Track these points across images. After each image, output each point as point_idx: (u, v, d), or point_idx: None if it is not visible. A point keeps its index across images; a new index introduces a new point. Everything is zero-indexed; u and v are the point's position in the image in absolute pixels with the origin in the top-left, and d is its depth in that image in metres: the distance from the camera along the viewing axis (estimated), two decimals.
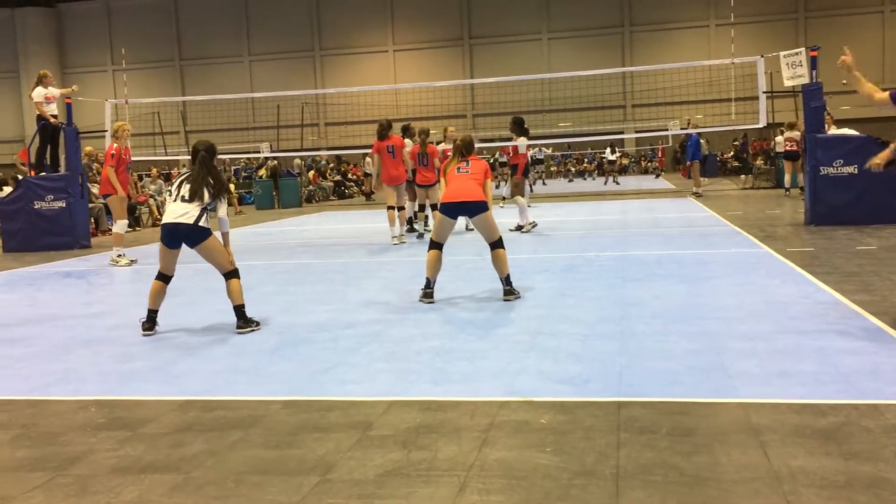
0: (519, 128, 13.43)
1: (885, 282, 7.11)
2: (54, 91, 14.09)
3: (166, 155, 28.94)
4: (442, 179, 7.38)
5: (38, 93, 13.90)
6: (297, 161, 27.70)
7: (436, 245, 7.11)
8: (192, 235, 6.10)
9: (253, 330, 6.18)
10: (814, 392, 4.10)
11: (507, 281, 7.02)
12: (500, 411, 3.99)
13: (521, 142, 13.37)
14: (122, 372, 5.16)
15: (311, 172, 29.29)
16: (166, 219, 6.20)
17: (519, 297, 6.95)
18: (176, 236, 6.16)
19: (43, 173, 14.21)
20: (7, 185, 20.51)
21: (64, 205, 13.56)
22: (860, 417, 3.69)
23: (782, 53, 13.46)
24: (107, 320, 6.92)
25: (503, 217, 12.40)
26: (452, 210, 7.07)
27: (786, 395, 4.07)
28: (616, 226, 13.73)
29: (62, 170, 14.22)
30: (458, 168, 7.18)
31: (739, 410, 3.86)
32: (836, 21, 39.07)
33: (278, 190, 24.76)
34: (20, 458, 3.67)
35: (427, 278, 7.08)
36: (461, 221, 11.77)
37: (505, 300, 6.89)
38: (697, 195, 20.06)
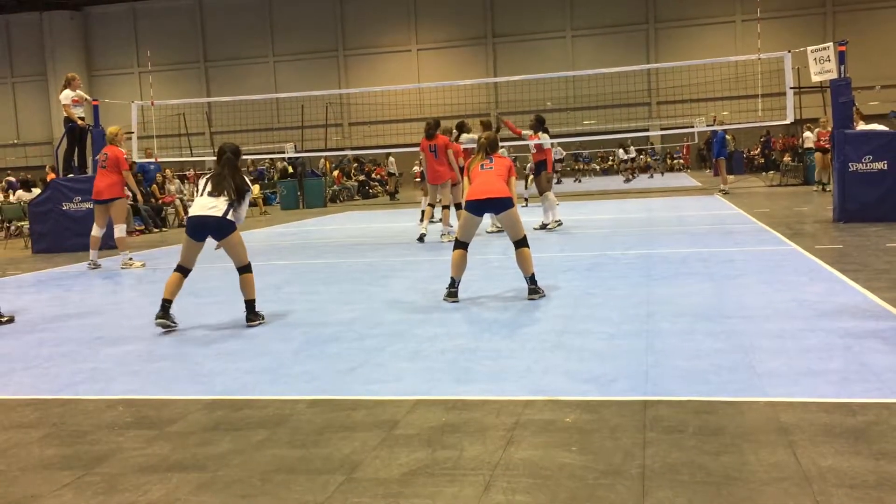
0: (540, 125, 13.40)
1: None
2: (81, 94, 14.27)
3: (192, 156, 29.19)
4: (465, 178, 7.36)
5: (66, 95, 14.08)
6: (322, 161, 27.91)
7: (461, 244, 7.08)
8: (220, 228, 6.35)
9: (261, 323, 6.47)
10: (843, 391, 4.04)
11: (531, 280, 6.99)
12: (526, 410, 3.98)
13: (545, 138, 13.33)
14: (149, 371, 5.21)
15: (336, 172, 29.40)
16: (194, 212, 6.45)
17: (543, 297, 6.93)
18: (204, 229, 6.39)
19: (71, 175, 14.40)
20: (36, 186, 20.81)
21: (91, 206, 13.68)
22: (891, 416, 3.63)
23: (810, 48, 13.28)
24: (135, 320, 6.99)
25: (527, 216, 12.36)
26: (478, 207, 7.03)
27: (815, 394, 4.01)
28: (641, 224, 13.65)
29: (89, 171, 14.39)
30: (482, 165, 7.16)
31: (768, 409, 3.82)
32: (864, 15, 38.52)
33: (303, 190, 24.89)
34: (49, 457, 3.72)
35: (452, 278, 7.06)
36: (485, 221, 11.74)
37: (529, 299, 6.87)
38: (724, 192, 19.89)
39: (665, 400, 4.03)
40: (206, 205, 6.36)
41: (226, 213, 6.34)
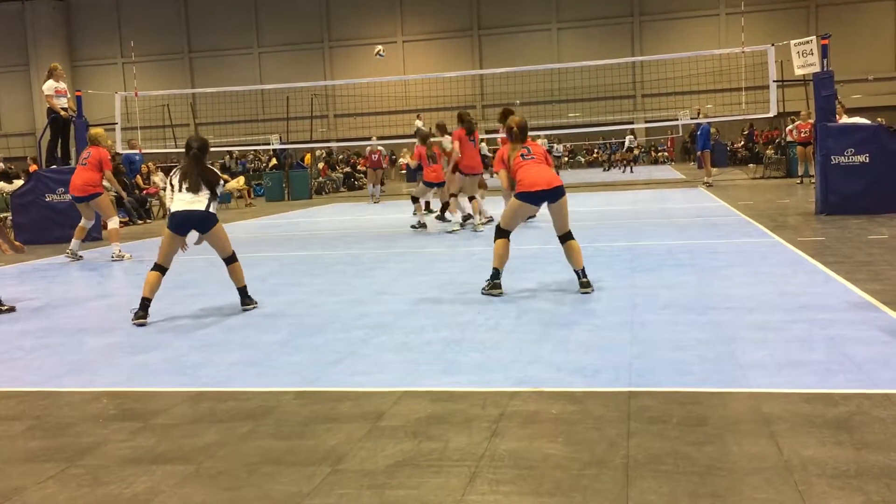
0: (506, 119, 13.36)
1: None
2: (64, 84, 14.16)
3: (176, 147, 28.99)
4: (502, 171, 7.03)
5: (49, 86, 13.97)
6: (318, 153, 28.04)
7: (505, 233, 6.87)
8: (204, 221, 6.48)
9: (256, 306, 6.69)
10: (825, 382, 4.09)
11: (582, 273, 6.77)
12: (511, 402, 4.00)
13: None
14: (134, 363, 5.19)
15: (321, 164, 29.31)
16: (176, 207, 6.48)
17: (593, 291, 6.69)
18: (188, 222, 6.49)
19: (54, 166, 14.28)
20: (19, 178, 20.62)
21: None
22: (872, 407, 3.68)
23: (793, 42, 13.36)
24: (119, 312, 6.95)
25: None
26: (539, 197, 6.77)
27: (797, 384, 4.05)
28: (626, 216, 13.70)
29: (73, 163, 14.28)
30: (523, 155, 6.88)
31: (750, 400, 3.85)
32: (847, 9, 38.71)
33: (289, 182, 24.80)
34: (33, 449, 3.70)
35: (495, 269, 6.81)
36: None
37: (582, 293, 6.67)
38: (708, 185, 19.98)
39: (649, 391, 4.06)
40: (188, 200, 6.45)
41: (208, 206, 6.48)
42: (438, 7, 43.20)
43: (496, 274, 6.82)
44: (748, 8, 33.33)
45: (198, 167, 6.55)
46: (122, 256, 10.82)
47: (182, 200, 6.46)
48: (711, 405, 3.81)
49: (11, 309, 7.20)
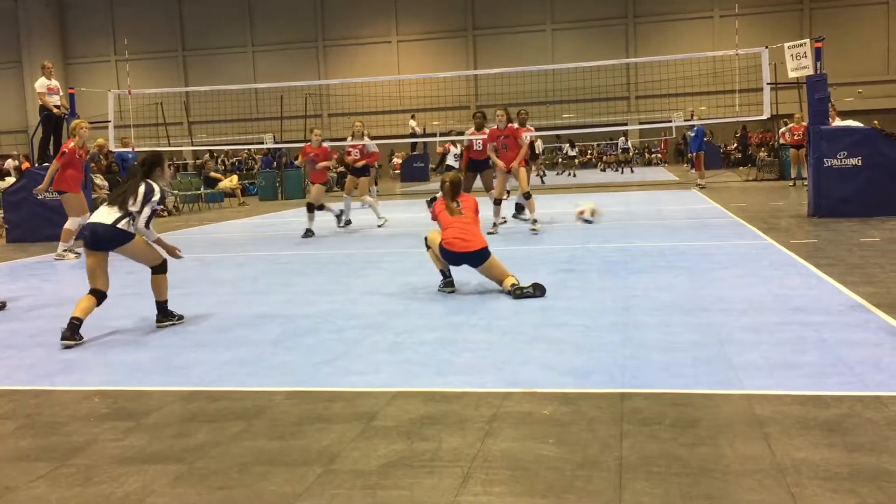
0: (484, 120, 13.44)
1: (890, 274, 7.09)
2: (56, 82, 14.12)
3: (169, 146, 28.92)
4: (435, 229, 7.22)
5: (41, 83, 13.93)
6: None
7: (427, 245, 7.21)
8: (112, 237, 5.86)
9: (174, 323, 6.16)
10: (817, 384, 4.10)
11: (517, 289, 6.69)
12: (504, 402, 4.00)
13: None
14: (125, 362, 5.17)
15: None
16: (90, 219, 6.04)
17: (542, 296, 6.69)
18: (95, 237, 5.88)
19: (46, 164, 14.21)
20: (10, 175, 20.53)
21: None
22: (864, 409, 3.69)
23: (787, 45, 13.39)
24: (111, 311, 6.91)
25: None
26: (455, 258, 6.92)
27: (789, 386, 4.06)
28: (620, 217, 13.72)
29: None
30: (451, 210, 7.06)
31: (743, 402, 3.86)
32: (840, 12, 38.91)
33: (282, 181, 24.75)
34: (24, 448, 3.68)
35: (440, 270, 7.09)
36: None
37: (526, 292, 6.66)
38: (701, 187, 20.03)
39: (642, 392, 4.06)
40: (101, 213, 5.96)
41: (116, 221, 5.84)
42: (433, 7, 43.23)
43: (443, 274, 7.09)
44: (742, 10, 33.45)
45: (133, 182, 6.00)
46: (63, 256, 10.73)
47: (97, 212, 6.00)
48: (704, 407, 3.82)
49: (2, 306, 7.16)
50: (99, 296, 5.89)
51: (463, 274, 7.98)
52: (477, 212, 7.18)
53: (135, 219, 5.91)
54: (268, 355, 5.18)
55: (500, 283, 6.89)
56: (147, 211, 5.93)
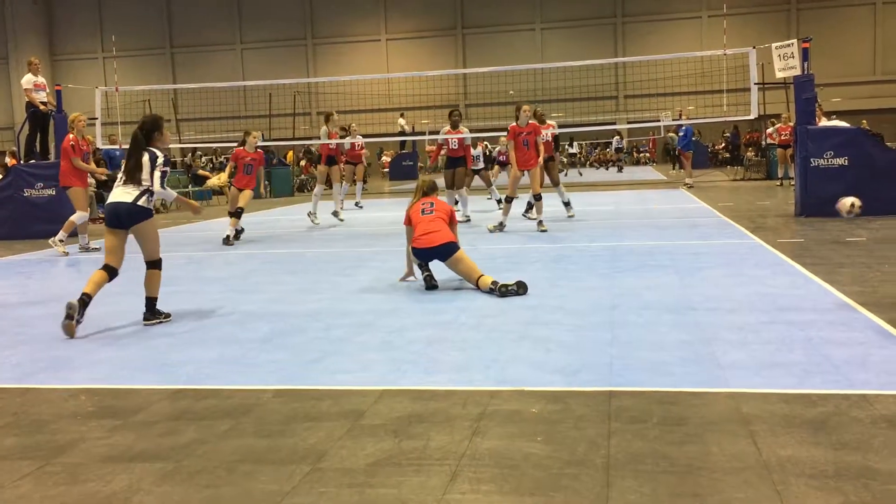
0: (460, 118, 13.51)
1: (875, 273, 7.14)
2: (43, 78, 14.05)
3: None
4: (407, 227, 7.44)
5: (28, 80, 13.84)
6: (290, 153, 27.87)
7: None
8: (130, 215, 6.02)
9: (161, 322, 6.16)
10: (804, 382, 4.12)
11: (499, 288, 6.74)
12: (492, 401, 4.00)
13: (466, 131, 13.36)
14: (113, 360, 5.14)
15: (304, 162, 29.19)
16: (109, 199, 6.17)
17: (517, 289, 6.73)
18: (115, 216, 6.05)
19: (32, 161, 14.13)
20: None
21: (54, 192, 13.44)
22: (850, 408, 3.71)
23: (774, 45, 13.46)
24: (97, 308, 6.87)
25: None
26: (425, 254, 7.14)
27: (776, 385, 4.08)
28: (608, 216, 13.75)
29: (52, 157, 14.14)
30: (423, 210, 7.29)
31: (730, 400, 3.88)
32: (828, 13, 39.12)
33: (270, 179, 24.68)
34: (9, 447, 3.66)
35: (418, 266, 7.24)
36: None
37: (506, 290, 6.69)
38: (689, 186, 20.10)
39: (629, 391, 4.07)
40: (119, 191, 6.08)
41: (136, 199, 6.01)
42: (423, 6, 43.18)
43: (421, 270, 7.27)
44: (730, 11, 33.59)
45: (136, 152, 6.10)
46: (54, 244, 10.79)
47: (114, 192, 6.12)
48: (691, 405, 3.83)
49: None
50: (111, 272, 6.06)
51: (451, 273, 7.98)
52: (449, 216, 7.38)
53: (152, 193, 6.11)
54: (256, 353, 5.17)
55: (472, 280, 6.98)
56: (157, 174, 6.11)
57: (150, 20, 45.18)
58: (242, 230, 12.17)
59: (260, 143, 23.38)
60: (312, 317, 6.20)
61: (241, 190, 11.98)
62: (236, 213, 11.70)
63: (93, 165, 11.85)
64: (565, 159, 31.33)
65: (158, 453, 3.50)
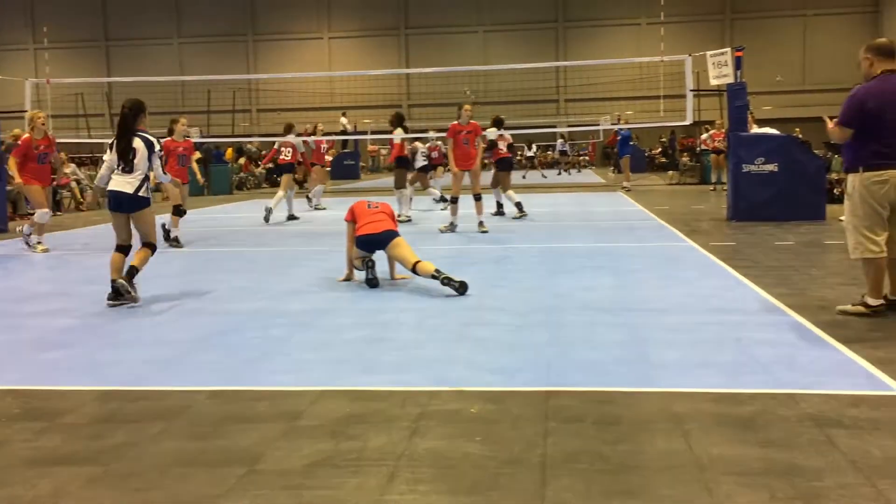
0: (399, 121, 13.86)
1: (803, 276, 7.37)
2: None
3: (89, 137, 28.02)
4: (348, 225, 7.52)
5: None
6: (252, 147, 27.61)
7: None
8: (131, 203, 6.68)
9: (123, 304, 6.47)
10: (733, 382, 4.23)
11: (445, 278, 6.78)
12: (431, 401, 4.00)
13: (397, 133, 13.83)
14: (40, 361, 4.99)
15: (243, 160, 28.77)
16: (110, 186, 6.74)
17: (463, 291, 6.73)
18: (117, 202, 6.70)
19: None
20: None
21: None
22: (777, 407, 3.82)
23: (709, 53, 13.80)
24: (26, 307, 6.68)
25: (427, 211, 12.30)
26: (367, 241, 7.22)
27: (706, 384, 4.18)
28: (548, 218, 13.90)
29: None
30: (368, 205, 7.51)
31: (662, 400, 3.95)
32: (760, 23, 40.25)
33: (209, 177, 24.23)
34: None
35: (364, 262, 7.26)
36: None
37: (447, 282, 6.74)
38: (626, 189, 20.45)
39: (566, 390, 4.12)
40: (120, 180, 6.66)
41: (137, 189, 6.63)
42: (366, 4, 42.99)
43: (365, 266, 7.31)
44: (667, 19, 34.30)
45: (127, 137, 6.66)
46: (35, 247, 10.51)
47: (115, 180, 6.67)
48: (626, 404, 3.90)
49: None
50: (125, 250, 6.68)
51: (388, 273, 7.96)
52: (390, 215, 7.48)
53: (149, 179, 6.77)
54: (190, 354, 5.07)
55: (409, 264, 7.01)
56: (157, 162, 6.80)
57: (85, 11, 43.96)
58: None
59: (198, 139, 22.87)
60: (249, 316, 6.11)
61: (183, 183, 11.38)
62: (179, 212, 11.13)
63: (41, 167, 11.22)
64: (524, 161, 31.46)
65: (87, 456, 3.40)
